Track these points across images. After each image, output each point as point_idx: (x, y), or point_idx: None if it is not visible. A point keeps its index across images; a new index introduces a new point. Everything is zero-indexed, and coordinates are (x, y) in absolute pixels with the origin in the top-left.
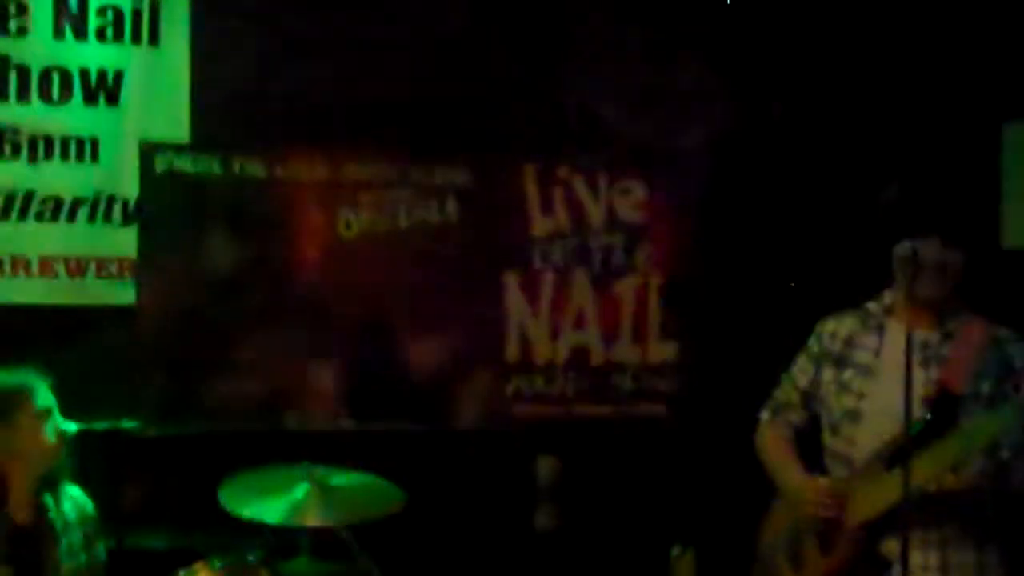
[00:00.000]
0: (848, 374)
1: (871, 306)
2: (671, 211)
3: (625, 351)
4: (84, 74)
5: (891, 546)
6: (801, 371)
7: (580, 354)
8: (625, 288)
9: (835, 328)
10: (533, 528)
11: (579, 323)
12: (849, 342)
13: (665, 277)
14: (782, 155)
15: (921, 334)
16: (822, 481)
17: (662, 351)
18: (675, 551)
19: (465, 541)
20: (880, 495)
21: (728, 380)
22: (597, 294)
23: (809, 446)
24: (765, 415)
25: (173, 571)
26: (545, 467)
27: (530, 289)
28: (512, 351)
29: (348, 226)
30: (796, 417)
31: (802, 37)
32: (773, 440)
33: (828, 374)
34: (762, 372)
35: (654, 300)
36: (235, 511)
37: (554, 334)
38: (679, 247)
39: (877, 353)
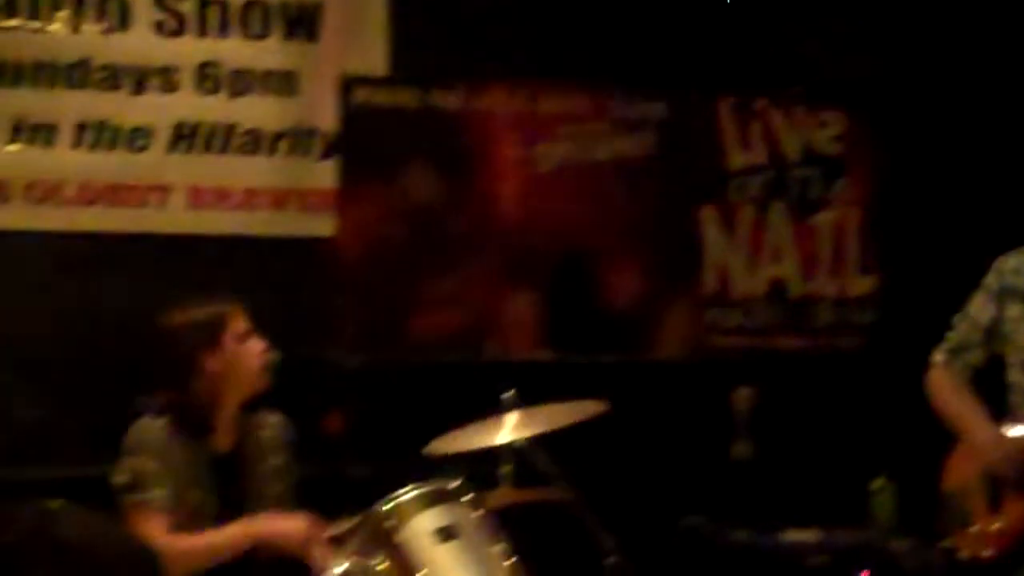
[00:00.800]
0: None
1: None
2: (869, 144)
3: (823, 284)
4: (284, 8)
5: None
6: (981, 309)
7: (778, 286)
8: (823, 221)
9: (1018, 264)
10: (729, 458)
11: (776, 256)
12: None
13: (864, 210)
14: (982, 86)
15: None
16: (1013, 438)
17: (861, 284)
18: (876, 483)
19: (663, 470)
20: None
21: (927, 313)
22: (795, 227)
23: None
24: (940, 357)
25: (375, 500)
26: (742, 398)
27: (727, 222)
28: (710, 283)
29: (546, 158)
30: (976, 358)
31: None
32: (952, 386)
33: (1014, 310)
34: (960, 306)
35: (853, 233)
36: (437, 441)
37: (751, 267)
38: (878, 180)
39: None
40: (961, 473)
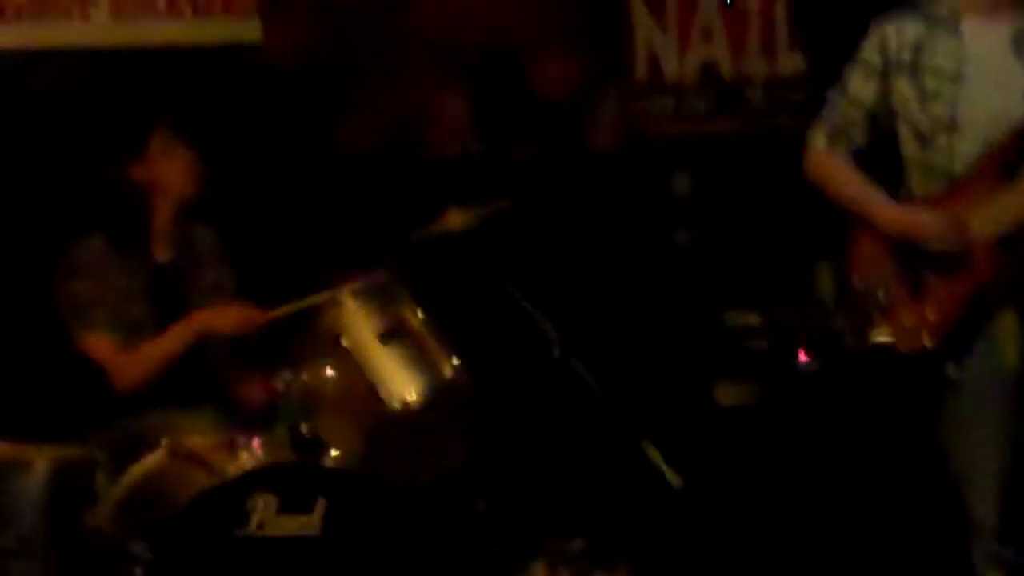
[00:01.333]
0: (931, 82)
1: (936, 6)
2: None
3: (754, 64)
4: None
5: None
6: (862, 87)
7: (709, 69)
8: (751, 1)
9: (897, 34)
10: (672, 243)
11: (707, 37)
12: (919, 48)
13: None
14: None
15: (1007, 28)
16: (929, 213)
17: (792, 63)
18: (816, 266)
19: (607, 258)
20: (1005, 207)
21: None
22: (723, 8)
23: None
24: (820, 140)
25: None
26: (680, 184)
27: (656, 6)
28: (641, 69)
29: None
30: (860, 138)
31: None
32: (842, 169)
33: (902, 84)
34: None
35: (782, 11)
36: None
37: (682, 50)
38: None
39: (959, 56)
40: (872, 262)
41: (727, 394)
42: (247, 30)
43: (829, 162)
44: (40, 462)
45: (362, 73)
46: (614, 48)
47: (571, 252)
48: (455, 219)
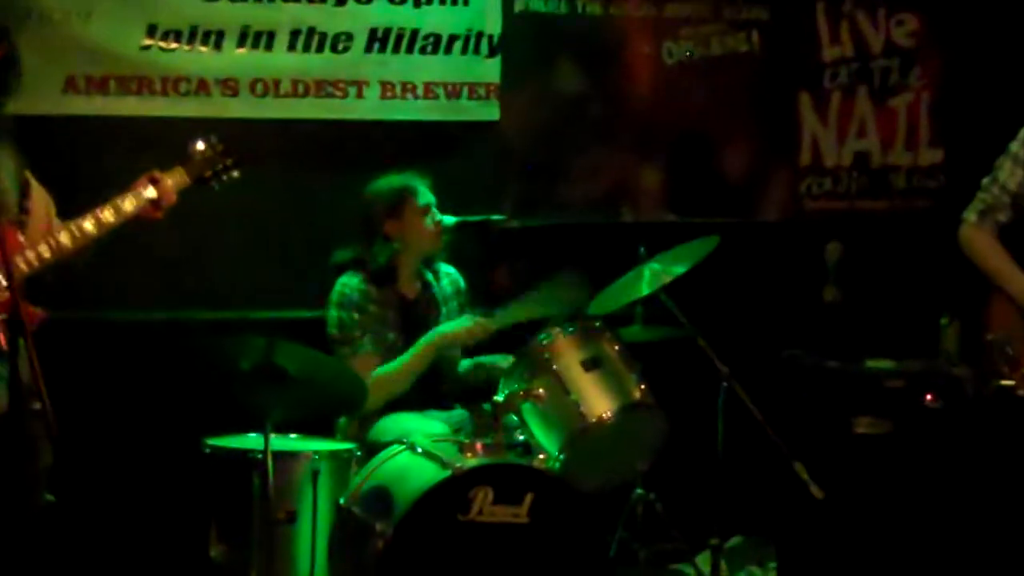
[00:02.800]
0: None
1: None
2: (938, 39)
3: (899, 155)
4: None
5: None
6: (1009, 175)
7: (861, 158)
8: (899, 103)
9: None
10: (822, 301)
11: (861, 133)
12: None
13: (933, 94)
14: None
15: None
16: None
17: (930, 155)
18: (944, 320)
19: (767, 312)
20: None
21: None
22: (876, 108)
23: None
24: (972, 217)
25: (535, 335)
26: (832, 251)
27: (820, 105)
28: (806, 156)
29: (670, 54)
30: (1004, 218)
31: None
32: (988, 243)
33: None
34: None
35: (924, 113)
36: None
37: (840, 142)
38: (947, 69)
39: None
40: (1004, 320)
41: (864, 424)
42: (488, 111)
43: (978, 236)
44: (307, 453)
45: (578, 147)
46: (784, 137)
47: (741, 303)
48: (655, 275)
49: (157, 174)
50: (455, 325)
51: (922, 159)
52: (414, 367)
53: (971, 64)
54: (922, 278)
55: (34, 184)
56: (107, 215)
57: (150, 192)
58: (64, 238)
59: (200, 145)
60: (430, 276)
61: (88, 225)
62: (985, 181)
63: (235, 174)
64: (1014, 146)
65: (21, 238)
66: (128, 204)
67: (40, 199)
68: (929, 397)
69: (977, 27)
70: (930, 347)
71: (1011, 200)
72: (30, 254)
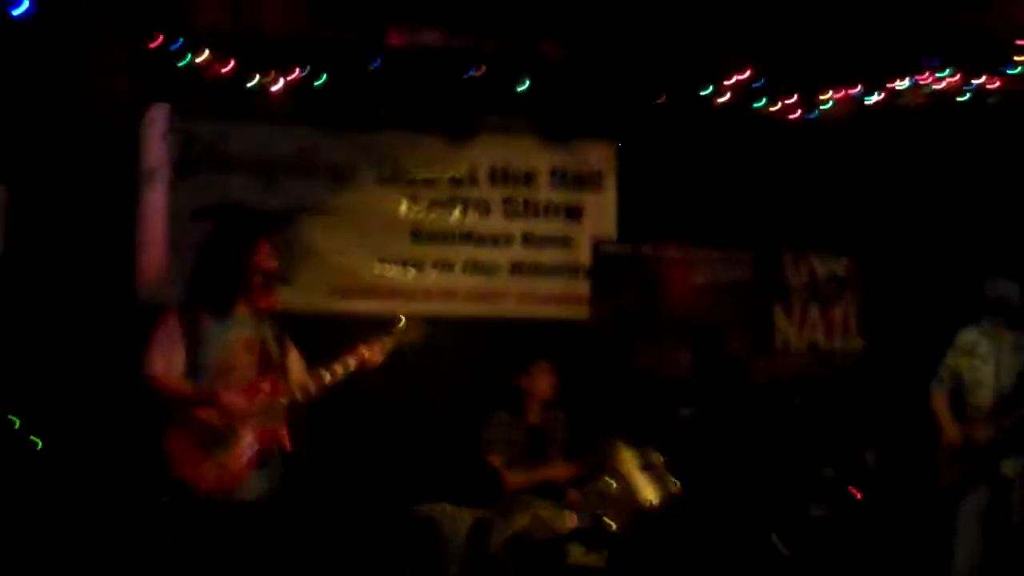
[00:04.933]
0: (976, 362)
1: (984, 323)
2: (862, 272)
3: (837, 342)
4: (566, 206)
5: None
6: (951, 360)
7: (813, 344)
8: (838, 312)
9: (966, 337)
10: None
11: (812, 328)
12: (975, 343)
13: (859, 306)
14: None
15: (1011, 337)
16: (959, 424)
17: (857, 344)
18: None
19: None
20: (990, 429)
21: (890, 360)
22: (822, 315)
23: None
24: (934, 384)
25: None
26: (795, 400)
27: (788, 313)
28: (779, 343)
29: (697, 280)
30: (949, 385)
31: None
32: (938, 400)
33: (963, 362)
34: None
35: (852, 318)
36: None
37: (799, 333)
38: (866, 290)
39: (990, 350)
40: (942, 445)
41: (816, 510)
42: (580, 312)
43: (935, 398)
44: (467, 517)
45: (639, 335)
46: (766, 332)
47: (735, 431)
48: (683, 413)
49: (369, 344)
50: (559, 470)
51: (851, 346)
52: (533, 481)
53: (882, 288)
54: (851, 420)
55: (291, 347)
56: (339, 367)
57: (366, 352)
58: (319, 377)
59: (399, 324)
60: (548, 414)
61: (331, 372)
62: (940, 364)
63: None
64: (955, 341)
65: (286, 385)
66: (352, 361)
67: (295, 358)
68: (857, 493)
69: (887, 265)
70: (857, 463)
71: (951, 377)
72: (296, 390)
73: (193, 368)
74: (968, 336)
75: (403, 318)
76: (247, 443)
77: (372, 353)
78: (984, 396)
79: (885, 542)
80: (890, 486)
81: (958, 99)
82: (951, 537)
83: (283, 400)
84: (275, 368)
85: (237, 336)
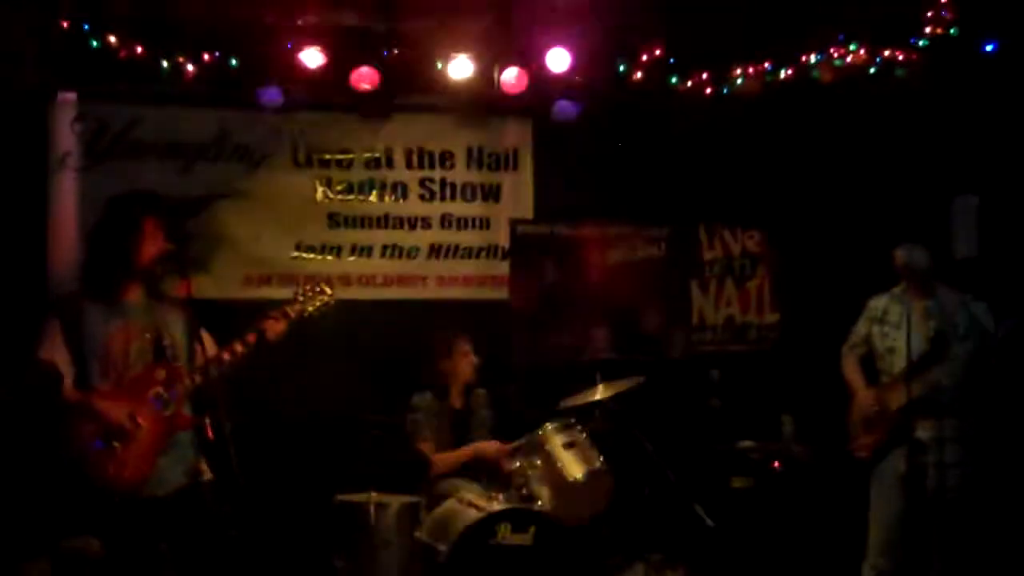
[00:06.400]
0: (887, 328)
1: (895, 290)
2: (775, 246)
3: (752, 317)
4: (483, 186)
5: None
6: (860, 327)
7: (729, 319)
8: (751, 285)
9: (876, 304)
10: (708, 406)
11: (728, 303)
12: (886, 310)
13: (771, 281)
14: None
15: (921, 303)
16: (872, 390)
17: (771, 318)
18: (785, 417)
19: (674, 411)
20: (903, 394)
21: (804, 333)
22: (737, 289)
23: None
24: (845, 349)
25: (533, 430)
26: (713, 375)
27: (703, 287)
28: (695, 318)
29: (612, 258)
30: (860, 351)
31: None
32: (850, 366)
33: (875, 329)
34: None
35: (767, 292)
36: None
37: (716, 308)
38: (779, 264)
39: (900, 316)
40: (853, 414)
41: (737, 481)
42: (500, 292)
43: (845, 361)
44: (394, 503)
45: (558, 313)
46: (682, 307)
47: (657, 408)
48: (604, 390)
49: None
50: (487, 445)
51: (766, 320)
52: (460, 460)
53: (795, 260)
54: (768, 392)
55: (205, 335)
56: (239, 345)
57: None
58: (218, 358)
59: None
60: (471, 395)
61: (229, 350)
62: (852, 329)
63: (318, 302)
64: (866, 308)
65: (185, 371)
66: (251, 337)
67: (210, 344)
68: (776, 464)
69: (799, 238)
70: (776, 433)
71: (862, 341)
72: (197, 376)
73: (80, 359)
74: (879, 303)
75: (327, 288)
76: (147, 434)
77: (272, 323)
78: (896, 362)
79: (805, 510)
80: (808, 455)
81: (868, 72)
82: (868, 503)
83: (186, 385)
84: (176, 356)
85: (123, 323)
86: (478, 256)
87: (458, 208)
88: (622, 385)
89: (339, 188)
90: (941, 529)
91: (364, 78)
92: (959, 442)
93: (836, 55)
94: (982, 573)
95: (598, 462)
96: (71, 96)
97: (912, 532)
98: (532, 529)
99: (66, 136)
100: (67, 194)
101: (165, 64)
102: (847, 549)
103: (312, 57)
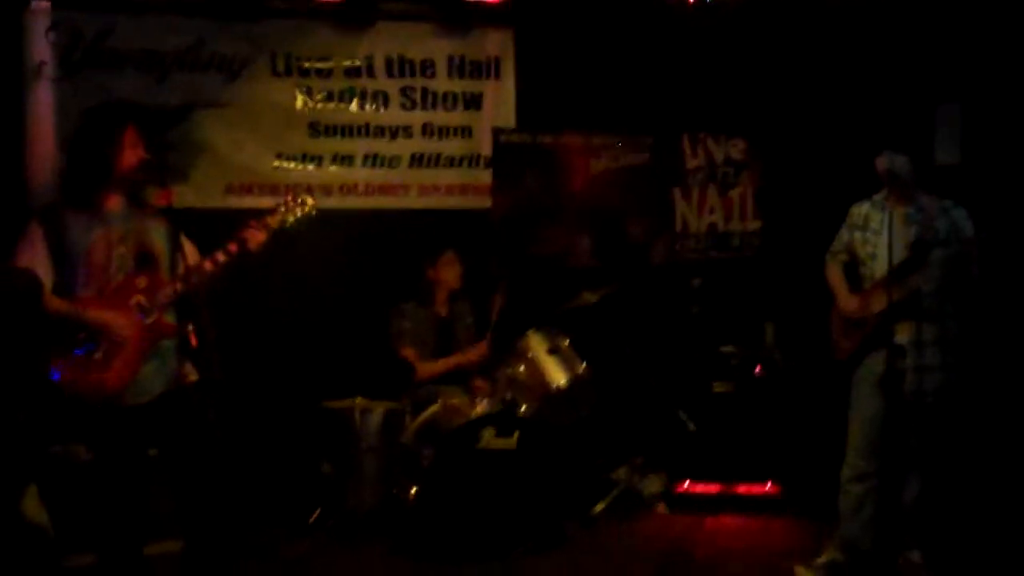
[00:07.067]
0: (868, 235)
1: (876, 197)
2: (758, 154)
3: (735, 225)
4: (464, 95)
5: (895, 327)
6: (843, 234)
7: (712, 227)
8: (735, 193)
9: (858, 210)
10: (690, 313)
11: (711, 212)
12: (867, 217)
13: (754, 189)
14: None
15: (902, 209)
16: (855, 296)
17: (754, 225)
18: (767, 324)
19: (656, 317)
20: (884, 299)
21: (787, 242)
22: (720, 197)
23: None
24: (828, 257)
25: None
26: (695, 283)
27: (686, 195)
28: (679, 225)
29: (595, 166)
30: (843, 258)
31: None
32: (833, 272)
33: (857, 236)
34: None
35: (750, 199)
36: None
37: (699, 216)
38: (763, 172)
39: (882, 222)
40: (833, 318)
41: (718, 386)
42: (482, 201)
43: (829, 266)
44: (379, 409)
45: (541, 222)
46: (665, 215)
47: (638, 313)
48: (587, 297)
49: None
50: (470, 352)
51: (749, 227)
52: (445, 368)
53: (778, 168)
54: (750, 299)
55: (187, 244)
56: (221, 254)
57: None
58: (206, 264)
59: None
60: (456, 303)
61: (212, 259)
62: (835, 236)
63: (299, 212)
64: (848, 216)
65: (167, 279)
66: (232, 246)
67: (192, 253)
68: (758, 369)
69: (782, 146)
70: (757, 339)
71: (845, 248)
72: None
73: (62, 268)
74: (860, 210)
75: (308, 199)
76: (129, 342)
77: (253, 233)
78: (878, 268)
79: (786, 414)
80: (789, 360)
81: None
82: (848, 406)
83: (168, 293)
84: (158, 264)
85: (105, 232)
86: (460, 165)
87: (440, 117)
88: (603, 292)
89: (319, 97)
90: (919, 432)
91: None
92: (938, 345)
93: None
94: (959, 475)
95: (581, 368)
96: (45, 4)
97: (891, 435)
98: (516, 434)
99: (41, 45)
100: (43, 104)
101: None
102: (827, 452)
103: None
